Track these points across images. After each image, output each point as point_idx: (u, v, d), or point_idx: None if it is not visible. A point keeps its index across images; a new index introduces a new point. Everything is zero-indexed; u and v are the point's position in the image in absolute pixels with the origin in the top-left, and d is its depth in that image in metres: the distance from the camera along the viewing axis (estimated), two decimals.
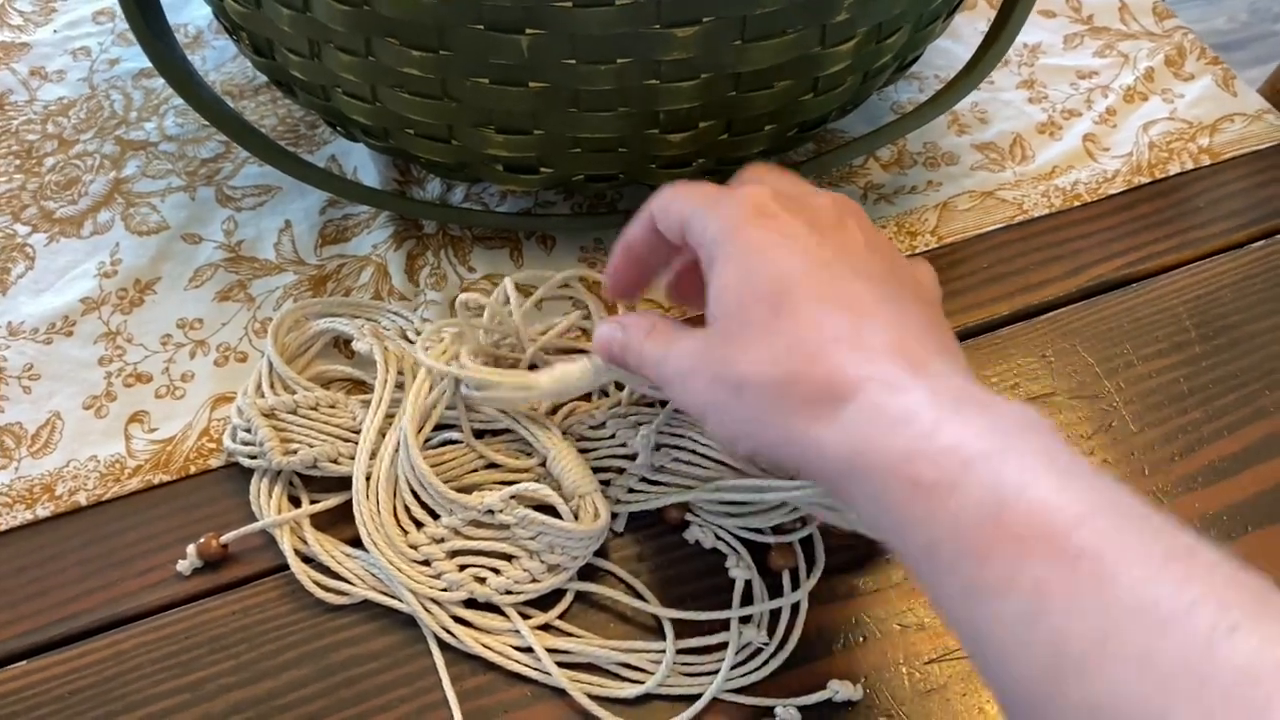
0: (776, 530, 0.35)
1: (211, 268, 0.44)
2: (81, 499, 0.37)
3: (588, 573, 0.35)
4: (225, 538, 0.35)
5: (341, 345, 0.41)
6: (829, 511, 0.35)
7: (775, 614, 0.34)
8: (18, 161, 0.48)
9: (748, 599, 0.34)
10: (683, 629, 0.34)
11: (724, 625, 0.34)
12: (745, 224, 0.28)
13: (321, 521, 0.36)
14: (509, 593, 0.34)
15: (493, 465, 0.37)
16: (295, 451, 0.36)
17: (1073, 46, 0.52)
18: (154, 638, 0.34)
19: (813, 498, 0.33)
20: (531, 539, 0.34)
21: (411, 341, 0.40)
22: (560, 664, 0.33)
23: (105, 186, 0.47)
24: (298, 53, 0.37)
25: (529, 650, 0.33)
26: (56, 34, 0.54)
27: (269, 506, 0.36)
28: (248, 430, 0.37)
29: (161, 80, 0.40)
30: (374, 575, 0.35)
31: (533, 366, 0.39)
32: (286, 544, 0.35)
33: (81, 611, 0.35)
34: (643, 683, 0.33)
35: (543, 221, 0.44)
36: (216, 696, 0.33)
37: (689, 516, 0.36)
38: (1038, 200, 0.46)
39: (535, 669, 0.33)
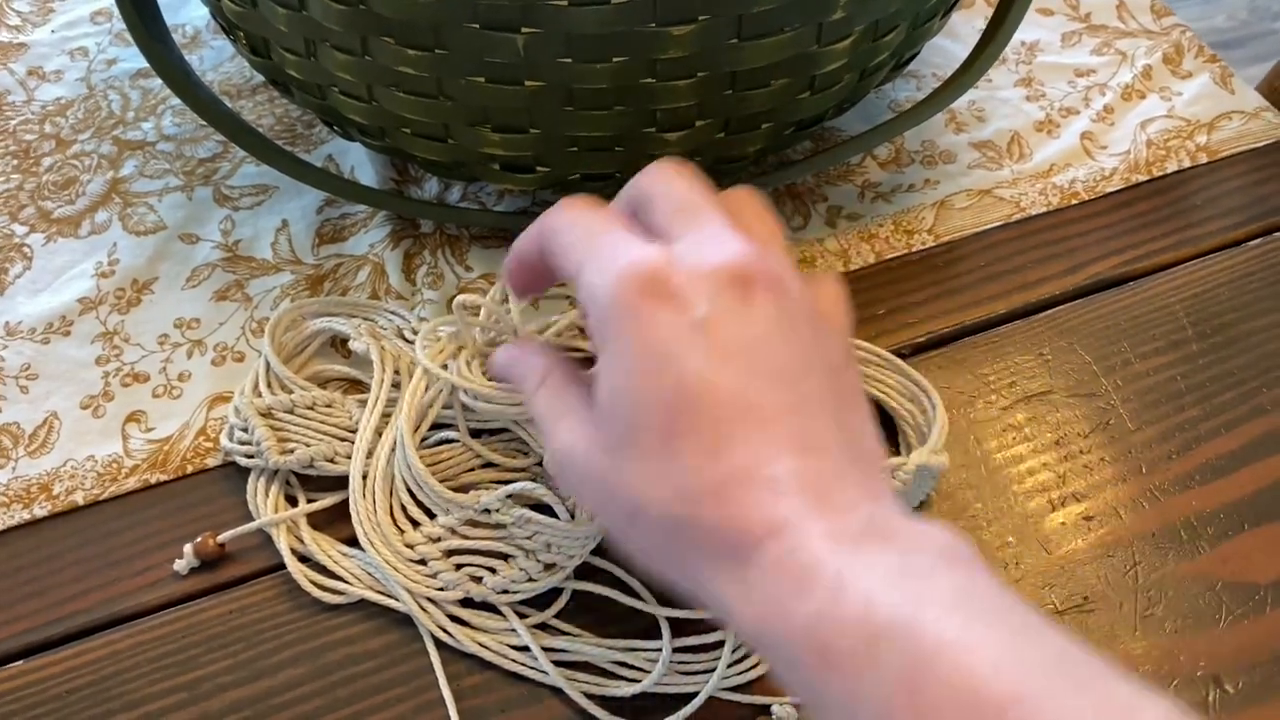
0: None
1: (209, 267, 0.44)
2: (79, 499, 0.37)
3: (584, 572, 0.35)
4: (222, 537, 0.35)
5: (338, 344, 0.41)
6: None
7: None
8: (15, 161, 0.48)
9: None
10: (679, 627, 0.34)
11: (720, 623, 0.34)
12: (636, 304, 0.24)
13: (318, 521, 0.36)
14: (505, 592, 0.34)
15: (489, 464, 0.37)
16: (292, 451, 0.36)
17: (1070, 44, 0.52)
18: (151, 637, 0.34)
19: None
20: (528, 538, 0.34)
21: (408, 341, 0.40)
22: (557, 663, 0.33)
23: (103, 186, 0.47)
24: (294, 52, 0.37)
25: (525, 649, 0.33)
26: (54, 34, 0.54)
27: (266, 506, 0.36)
28: (244, 430, 0.37)
29: (159, 80, 0.40)
30: (370, 574, 0.35)
31: None
32: (283, 543, 0.35)
33: (78, 611, 0.35)
34: (639, 681, 0.33)
35: None
36: (213, 695, 0.33)
37: None
38: (1035, 198, 0.46)
39: (532, 668, 0.33)
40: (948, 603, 0.20)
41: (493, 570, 0.34)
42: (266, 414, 0.37)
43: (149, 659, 0.34)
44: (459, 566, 0.34)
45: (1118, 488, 0.37)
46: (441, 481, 0.35)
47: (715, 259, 0.25)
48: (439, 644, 0.34)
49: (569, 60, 0.33)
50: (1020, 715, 0.18)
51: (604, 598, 0.35)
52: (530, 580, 0.34)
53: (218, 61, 0.52)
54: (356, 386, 0.40)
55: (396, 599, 0.34)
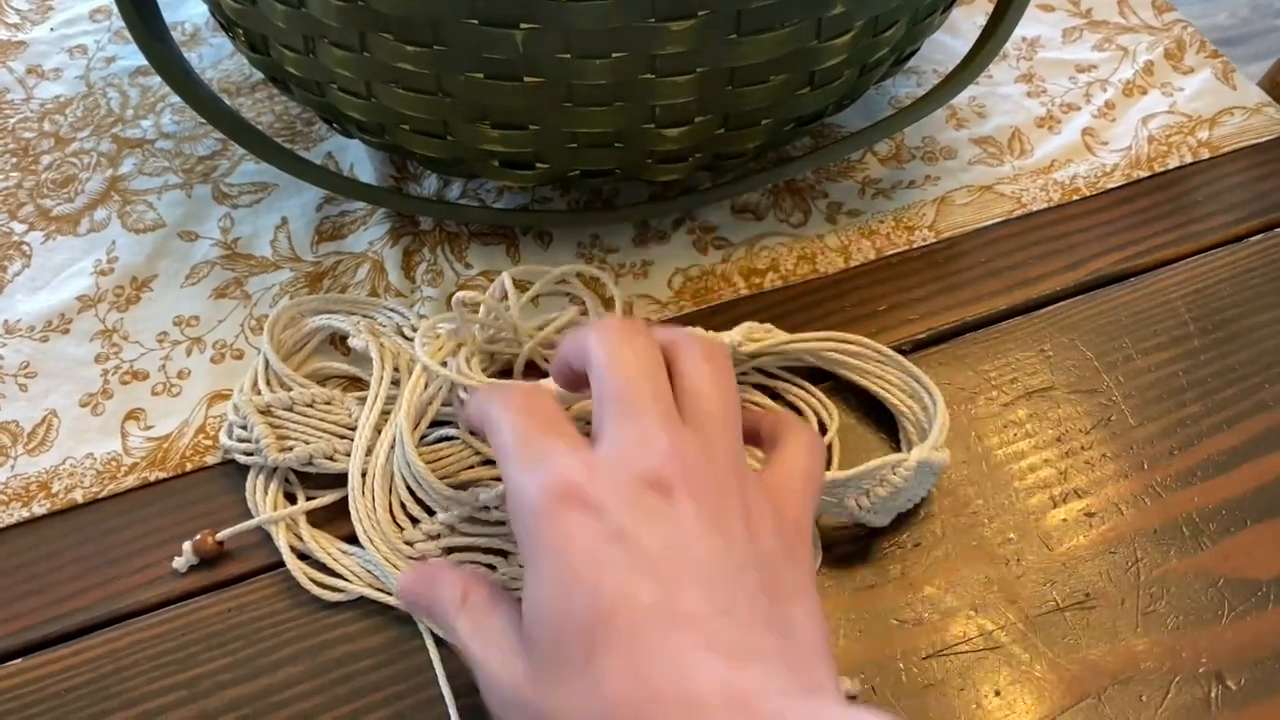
0: None
1: (208, 265, 0.44)
2: (78, 496, 0.37)
3: None
4: (221, 535, 0.35)
5: (338, 342, 0.41)
6: (827, 503, 0.35)
7: None
8: (14, 159, 0.48)
9: None
10: None
11: None
12: (554, 516, 0.24)
13: (317, 518, 0.36)
14: (505, 588, 0.34)
15: (488, 461, 0.37)
16: (291, 448, 0.36)
17: (1071, 40, 0.52)
18: (150, 635, 0.34)
19: None
20: None
21: (408, 338, 0.40)
22: None
23: (102, 184, 0.47)
24: (293, 49, 0.37)
25: None
26: (53, 32, 0.54)
27: (265, 503, 0.36)
28: (244, 427, 0.37)
29: (158, 78, 0.40)
30: (370, 572, 0.35)
31: (530, 363, 0.39)
32: (282, 541, 0.35)
33: (77, 609, 0.35)
34: None
35: (539, 217, 0.44)
36: (212, 693, 0.33)
37: None
38: (1036, 194, 0.46)
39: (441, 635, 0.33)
40: None
41: (492, 567, 0.34)
42: (265, 411, 0.37)
43: (148, 657, 0.34)
44: (458, 563, 0.34)
45: (1119, 484, 0.37)
46: (441, 478, 0.35)
47: (635, 465, 0.25)
48: (438, 640, 0.34)
49: (568, 56, 0.33)
50: None
51: None
52: None
53: (217, 59, 0.52)
54: (355, 384, 0.39)
55: (395, 596, 0.34)
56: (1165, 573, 0.35)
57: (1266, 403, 0.39)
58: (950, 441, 0.37)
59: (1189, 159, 0.47)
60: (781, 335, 0.38)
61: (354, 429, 0.37)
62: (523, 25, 0.32)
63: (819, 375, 0.39)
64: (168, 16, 0.40)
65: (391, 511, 0.35)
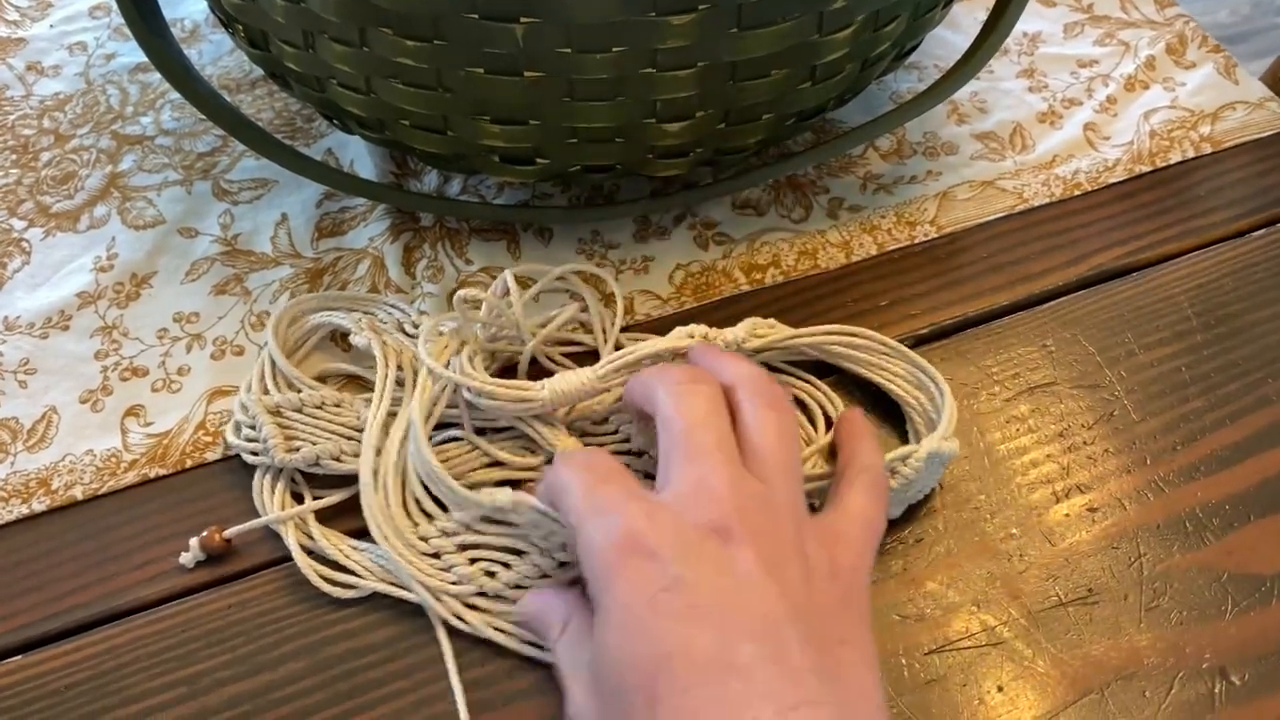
0: None
1: (208, 261, 0.44)
2: (77, 493, 0.37)
3: None
4: (229, 532, 0.35)
5: (338, 339, 0.41)
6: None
7: None
8: (14, 156, 0.48)
9: None
10: None
11: None
12: (618, 565, 0.26)
13: (323, 516, 0.36)
14: (519, 586, 0.34)
15: (496, 464, 0.36)
16: (298, 449, 0.36)
17: (1073, 35, 0.52)
18: (150, 632, 0.34)
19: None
20: (543, 538, 0.34)
21: (409, 334, 0.39)
22: None
23: (101, 181, 0.47)
24: (292, 44, 0.37)
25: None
26: (53, 29, 0.54)
27: (272, 502, 0.36)
28: (251, 426, 0.37)
29: (158, 75, 0.40)
30: (382, 567, 0.34)
31: (533, 360, 0.39)
32: (292, 539, 0.35)
33: (77, 606, 0.35)
34: None
35: (540, 213, 0.44)
36: (213, 690, 0.33)
37: None
38: (1038, 189, 0.45)
39: (544, 658, 0.33)
40: None
41: (507, 565, 0.34)
42: (275, 412, 0.37)
43: (148, 654, 0.34)
44: (473, 560, 0.34)
45: (1122, 479, 0.37)
46: None
47: (697, 512, 0.26)
48: (451, 632, 0.33)
49: (568, 50, 0.33)
50: None
51: None
52: (544, 576, 0.34)
53: (217, 56, 0.52)
54: (357, 382, 0.39)
55: (410, 591, 0.34)
56: (1168, 568, 0.35)
57: (1270, 397, 0.39)
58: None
59: (1191, 154, 0.47)
60: (786, 330, 0.38)
61: (361, 430, 0.36)
62: (523, 19, 0.32)
63: (823, 369, 0.39)
64: (167, 13, 0.40)
65: (405, 507, 0.35)
